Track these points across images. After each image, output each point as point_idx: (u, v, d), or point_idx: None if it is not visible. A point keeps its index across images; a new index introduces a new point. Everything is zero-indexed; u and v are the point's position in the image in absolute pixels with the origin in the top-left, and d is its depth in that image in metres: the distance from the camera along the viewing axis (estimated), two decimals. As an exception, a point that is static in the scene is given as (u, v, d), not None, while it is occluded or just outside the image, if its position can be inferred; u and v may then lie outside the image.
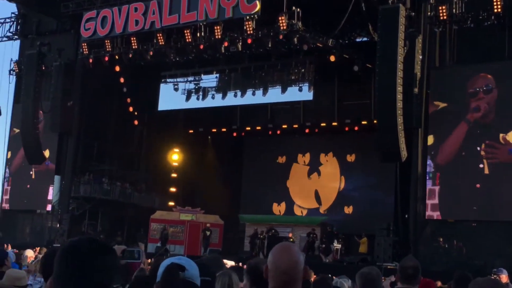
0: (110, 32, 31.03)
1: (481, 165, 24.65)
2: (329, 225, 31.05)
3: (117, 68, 32.82)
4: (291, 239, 29.04)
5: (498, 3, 24.26)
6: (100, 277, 2.30)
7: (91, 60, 31.99)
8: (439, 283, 12.98)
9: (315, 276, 12.35)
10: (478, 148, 24.86)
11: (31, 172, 35.51)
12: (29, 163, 34.19)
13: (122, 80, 35.51)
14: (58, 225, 33.12)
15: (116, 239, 32.66)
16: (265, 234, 30.29)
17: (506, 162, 24.27)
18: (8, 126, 37.01)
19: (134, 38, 30.67)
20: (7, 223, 35.97)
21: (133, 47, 30.76)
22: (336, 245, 28.88)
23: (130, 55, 31.15)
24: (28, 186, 35.37)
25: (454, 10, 25.28)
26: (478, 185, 24.62)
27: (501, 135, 24.54)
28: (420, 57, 25.59)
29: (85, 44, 31.92)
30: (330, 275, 10.06)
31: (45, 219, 34.83)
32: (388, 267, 22.13)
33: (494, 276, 10.92)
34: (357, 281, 5.22)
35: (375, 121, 27.64)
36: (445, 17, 25.41)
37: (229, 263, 20.49)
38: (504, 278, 10.87)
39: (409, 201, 26.35)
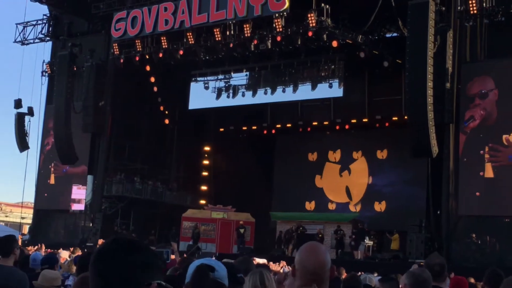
0: (140, 32, 31.29)
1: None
2: (361, 222, 30.94)
3: (148, 68, 33.12)
4: (320, 235, 29.05)
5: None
6: (131, 274, 2.32)
7: (122, 60, 32.33)
8: (472, 280, 12.87)
9: (346, 273, 12.38)
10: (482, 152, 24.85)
11: (48, 180, 36.10)
12: (61, 163, 34.61)
13: (152, 79, 35.77)
14: (91, 225, 33.52)
15: (149, 238, 32.94)
16: (294, 231, 30.32)
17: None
18: (41, 127, 37.57)
19: (164, 38, 30.88)
20: (41, 222, 36.51)
21: (163, 46, 30.98)
22: (368, 242, 28.79)
23: (160, 55, 31.36)
24: (46, 193, 36.02)
25: (484, 4, 25.00)
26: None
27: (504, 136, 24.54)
28: (451, 51, 25.37)
29: (116, 44, 32.25)
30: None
31: (78, 219, 35.27)
32: (421, 263, 21.98)
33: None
34: (407, 280, 5.20)
35: (406, 117, 27.46)
36: (475, 11, 25.14)
37: (261, 261, 20.59)
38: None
39: (441, 197, 26.17)
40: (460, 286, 7.33)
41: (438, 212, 27.13)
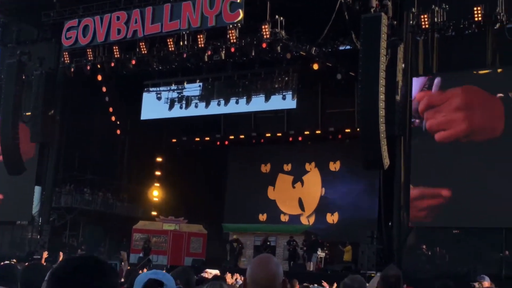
0: (92, 41, 30.83)
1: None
2: (313, 234, 30.96)
3: (99, 77, 32.66)
4: (268, 242, 29.14)
5: (479, 11, 24.43)
6: None
7: (72, 69, 31.79)
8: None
9: (298, 286, 12.29)
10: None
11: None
12: (8, 174, 33.67)
13: (104, 89, 35.28)
14: (38, 237, 32.77)
15: (99, 250, 32.39)
16: (262, 243, 30.23)
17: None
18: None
19: (116, 47, 30.52)
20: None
21: (115, 56, 30.60)
22: (320, 254, 28.80)
23: (112, 64, 30.99)
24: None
25: (436, 19, 25.39)
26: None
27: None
28: (403, 65, 25.67)
29: (66, 53, 31.71)
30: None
31: (25, 231, 34.45)
32: (372, 275, 22.07)
33: (478, 282, 10.95)
34: None
35: (358, 129, 27.65)
36: (427, 26, 25.50)
37: (213, 272, 20.39)
38: (486, 284, 10.93)
39: (393, 208, 26.41)
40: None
41: (390, 223, 27.36)
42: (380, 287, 5.40)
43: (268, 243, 30.30)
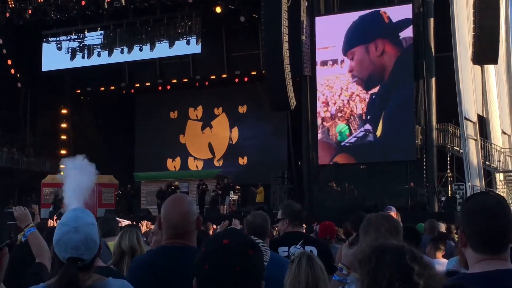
0: (-17, -9, 29.47)
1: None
2: (226, 177, 31.20)
3: (-6, 29, 31.38)
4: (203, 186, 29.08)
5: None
6: None
7: (-36, 22, 30.40)
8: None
9: (214, 227, 12.43)
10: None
11: None
12: None
13: (0, 41, 33.88)
14: None
15: (9, 206, 31.52)
16: (166, 189, 30.02)
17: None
18: None
19: (10, -4, 29.33)
20: None
21: (10, 6, 29.47)
22: (233, 196, 29.11)
23: (7, 15, 29.82)
24: None
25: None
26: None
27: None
28: (306, 4, 25.84)
29: (-43, 4, 30.24)
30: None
31: None
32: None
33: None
34: (246, 228, 5.15)
35: (264, 71, 27.77)
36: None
37: (125, 222, 20.29)
38: (393, 215, 11.38)
39: (302, 148, 26.91)
40: (329, 230, 7.67)
41: (299, 163, 27.89)
42: (289, 223, 5.49)
43: (173, 187, 30.18)
